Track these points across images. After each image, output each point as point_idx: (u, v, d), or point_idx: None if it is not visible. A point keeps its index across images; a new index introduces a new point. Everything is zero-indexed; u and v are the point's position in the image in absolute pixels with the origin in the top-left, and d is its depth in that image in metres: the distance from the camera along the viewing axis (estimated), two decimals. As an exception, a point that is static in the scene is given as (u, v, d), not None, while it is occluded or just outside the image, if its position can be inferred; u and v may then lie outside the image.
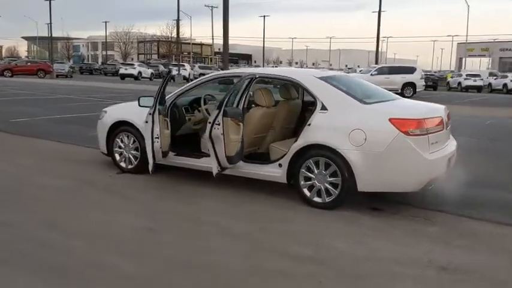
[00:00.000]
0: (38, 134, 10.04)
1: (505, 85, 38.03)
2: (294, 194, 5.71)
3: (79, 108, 16.12)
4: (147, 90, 28.04)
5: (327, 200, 5.37)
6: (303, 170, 5.49)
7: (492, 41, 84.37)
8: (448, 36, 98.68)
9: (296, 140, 5.59)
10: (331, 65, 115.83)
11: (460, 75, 41.06)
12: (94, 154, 8.10)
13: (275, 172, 5.73)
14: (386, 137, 5.05)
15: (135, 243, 4.32)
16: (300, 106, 6.97)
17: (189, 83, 6.69)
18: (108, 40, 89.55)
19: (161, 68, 57.21)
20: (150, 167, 5.87)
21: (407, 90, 27.03)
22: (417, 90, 27.38)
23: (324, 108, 5.44)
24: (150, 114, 5.74)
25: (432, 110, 5.50)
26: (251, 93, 6.43)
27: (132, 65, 47.10)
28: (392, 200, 5.68)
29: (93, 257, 3.98)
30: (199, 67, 53.78)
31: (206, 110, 6.74)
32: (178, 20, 42.36)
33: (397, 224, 5.01)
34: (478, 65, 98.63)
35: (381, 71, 27.61)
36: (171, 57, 67.91)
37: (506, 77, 39.28)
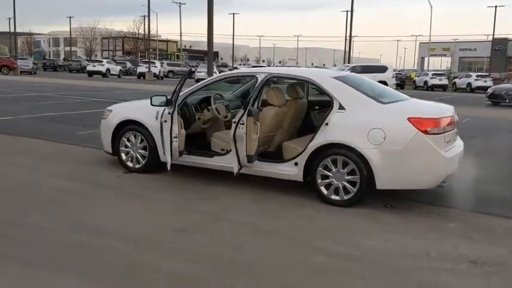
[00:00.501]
0: (28, 133, 9.78)
1: (469, 84, 39.37)
2: (306, 191, 5.83)
3: (59, 106, 15.74)
4: (121, 88, 27.68)
5: (345, 197, 5.49)
6: (320, 169, 5.59)
7: (453, 41, 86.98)
8: (411, 36, 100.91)
9: (312, 139, 5.68)
10: (297, 63, 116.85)
11: (427, 74, 42.23)
12: (93, 153, 8.02)
13: (291, 170, 5.81)
14: (405, 135, 5.21)
15: (173, 244, 4.31)
16: (306, 105, 7.07)
17: (200, 82, 6.69)
18: (71, 36, 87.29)
19: (128, 64, 56.35)
20: (169, 166, 5.84)
21: (379, 88, 27.56)
22: (389, 88, 27.93)
23: (341, 107, 5.55)
24: (169, 113, 5.71)
25: (445, 109, 5.70)
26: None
27: (101, 61, 46.15)
28: (402, 198, 5.85)
29: (138, 258, 3.96)
30: (168, 64, 53.37)
31: (216, 109, 6.74)
32: (149, 16, 41.82)
33: (415, 220, 5.19)
34: (439, 64, 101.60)
35: (353, 70, 28.00)
36: (137, 54, 66.96)
37: (470, 76, 40.68)
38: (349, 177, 5.45)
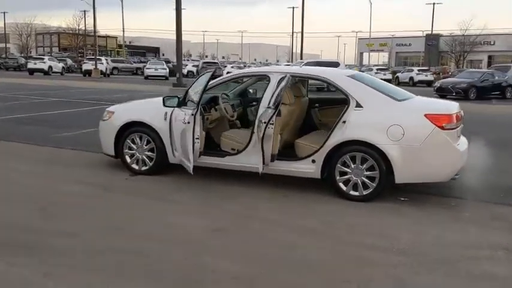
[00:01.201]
0: (2, 137, 9.28)
1: (411, 78, 41.13)
2: (320, 188, 5.98)
3: (20, 107, 15.01)
4: (73, 87, 26.62)
5: (364, 192, 5.67)
6: (339, 165, 5.75)
7: (390, 37, 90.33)
8: (352, 32, 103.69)
9: (329, 137, 5.82)
10: (240, 58, 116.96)
11: (371, 70, 43.69)
12: (87, 156, 7.84)
13: (308, 168, 5.92)
14: (423, 131, 5.46)
15: (217, 244, 4.31)
16: (307, 103, 7.21)
17: (212, 82, 6.64)
18: (5, 32, 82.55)
19: (69, 61, 54.22)
20: (191, 168, 5.77)
21: (332, 83, 28.23)
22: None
23: (358, 105, 5.72)
24: (192, 115, 5.64)
25: (453, 106, 6.00)
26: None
27: (42, 58, 44.04)
28: (410, 191, 6.09)
29: (193, 261, 3.94)
30: (112, 61, 51.88)
31: (224, 108, 6.73)
32: (94, 10, 40.37)
33: (434, 212, 5.45)
34: (377, 59, 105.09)
35: (308, 65, 28.54)
36: (77, 51, 64.46)
37: (411, 70, 42.54)
38: (368, 172, 5.63)
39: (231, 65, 51.41)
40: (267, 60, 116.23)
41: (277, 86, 6.06)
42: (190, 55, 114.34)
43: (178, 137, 6.17)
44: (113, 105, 7.51)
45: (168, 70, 40.38)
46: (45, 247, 4.15)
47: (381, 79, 32.13)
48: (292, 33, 60.90)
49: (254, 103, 7.82)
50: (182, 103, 6.23)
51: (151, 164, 6.62)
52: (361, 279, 3.71)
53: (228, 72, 44.52)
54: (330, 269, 3.91)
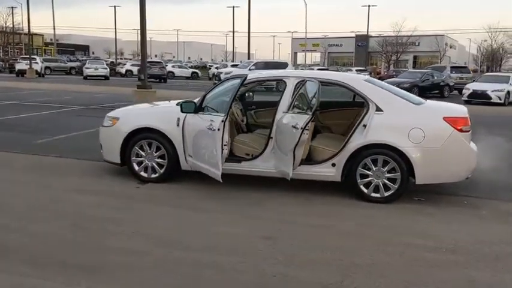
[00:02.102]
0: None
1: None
2: (337, 190, 6.08)
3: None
4: (16, 88, 25.00)
5: (386, 194, 5.82)
6: (360, 168, 5.86)
7: (322, 37, 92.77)
8: (288, 32, 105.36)
9: (348, 140, 5.92)
10: (174, 57, 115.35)
11: (312, 69, 44.65)
12: (84, 164, 7.53)
13: (329, 171, 5.99)
14: (442, 134, 5.70)
15: (276, 252, 4.26)
16: None
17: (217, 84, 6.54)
18: None
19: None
20: (219, 176, 5.62)
21: (281, 84, 28.58)
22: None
23: (379, 109, 5.86)
24: (222, 121, 5.50)
25: (464, 109, 6.27)
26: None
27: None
28: (421, 191, 6.31)
29: (266, 271, 3.87)
30: (44, 60, 49.34)
31: (236, 113, 6.64)
32: (28, 7, 38.16)
33: (455, 210, 5.70)
34: (310, 58, 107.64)
35: (257, 67, 28.73)
36: (2, 49, 60.71)
37: (351, 70, 43.90)
38: (390, 174, 5.79)
39: (172, 65, 50.62)
40: (201, 59, 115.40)
41: (295, 90, 6.10)
42: (122, 53, 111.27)
43: (195, 143, 6.03)
44: (113, 110, 7.21)
45: (108, 70, 39.05)
46: (113, 266, 3.93)
47: None
48: (233, 32, 60.89)
49: (253, 106, 7.81)
50: (199, 109, 6.09)
51: (162, 171, 6.41)
52: (435, 281, 3.81)
53: (170, 72, 43.92)
54: (398, 271, 3.97)
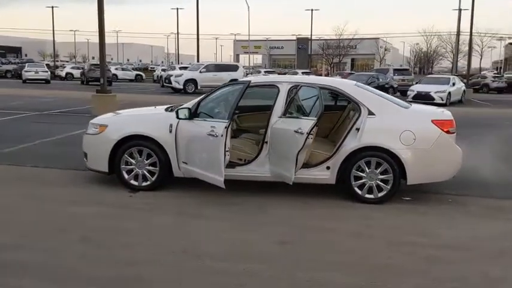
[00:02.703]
0: None
1: (296, 80, 43.23)
2: (330, 192, 6.21)
3: None
4: None
5: (379, 195, 6.02)
6: (354, 170, 6.03)
7: (264, 39, 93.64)
8: (231, 34, 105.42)
9: (341, 143, 6.07)
10: (112, 59, 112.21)
11: (259, 72, 45.08)
12: (64, 174, 7.23)
13: (324, 175, 6.11)
14: (431, 136, 5.98)
15: (296, 257, 4.32)
16: None
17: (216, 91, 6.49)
18: None
19: None
20: (222, 182, 5.57)
21: (232, 86, 28.63)
22: (241, 86, 29.25)
23: (371, 113, 6.05)
24: (225, 127, 5.45)
25: (448, 112, 6.56)
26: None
27: None
28: (407, 191, 6.55)
29: (296, 276, 3.91)
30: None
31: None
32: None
33: (445, 208, 5.99)
34: (252, 61, 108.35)
35: (208, 69, 28.60)
36: None
37: (296, 73, 44.64)
38: (383, 176, 6.00)
39: (114, 67, 49.23)
40: (140, 61, 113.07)
41: (288, 95, 6.17)
42: (58, 55, 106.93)
43: (192, 149, 5.97)
44: (99, 116, 6.97)
45: (49, 73, 37.46)
46: (137, 278, 3.83)
47: None
48: (178, 34, 60.22)
49: (236, 111, 7.78)
50: (194, 115, 6.02)
51: (153, 178, 6.27)
52: (455, 277, 4.01)
53: (113, 75, 42.54)
54: (419, 270, 4.12)
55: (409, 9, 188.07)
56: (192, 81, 27.97)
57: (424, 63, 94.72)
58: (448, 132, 6.04)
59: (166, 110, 6.67)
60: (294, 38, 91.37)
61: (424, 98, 23.67)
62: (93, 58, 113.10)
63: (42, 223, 5.03)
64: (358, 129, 6.04)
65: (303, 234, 4.94)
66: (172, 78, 28.25)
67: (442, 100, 23.50)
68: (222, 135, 5.44)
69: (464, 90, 26.96)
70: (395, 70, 33.84)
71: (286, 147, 5.68)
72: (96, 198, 5.97)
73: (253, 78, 6.81)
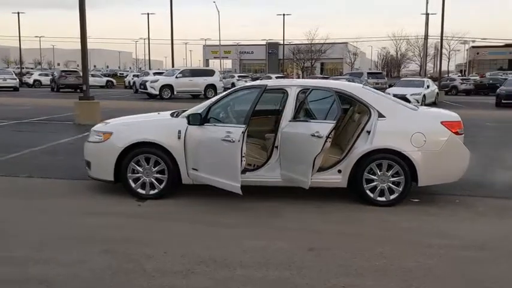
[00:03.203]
0: None
1: (270, 84, 43.31)
2: (340, 196, 6.21)
3: None
4: None
5: (391, 197, 6.03)
6: (366, 173, 6.02)
7: (234, 44, 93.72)
8: (201, 39, 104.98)
9: (352, 146, 6.06)
10: (78, 65, 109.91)
11: (233, 77, 44.95)
12: (62, 184, 6.93)
13: (335, 178, 6.08)
14: (441, 137, 6.03)
15: (331, 264, 4.25)
16: None
17: (222, 95, 6.37)
18: None
19: None
20: (239, 188, 5.45)
21: (209, 91, 28.49)
22: (218, 91, 29.10)
23: (381, 115, 6.05)
24: (242, 132, 5.34)
25: (455, 114, 6.61)
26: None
27: None
28: (413, 192, 6.62)
29: (330, 282, 3.84)
30: None
31: None
32: None
33: (454, 209, 6.05)
34: (222, 66, 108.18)
35: (184, 74, 28.35)
36: None
37: (270, 78, 44.80)
38: (394, 178, 6.01)
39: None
40: (108, 67, 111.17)
41: (297, 99, 6.13)
42: (23, 62, 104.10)
43: (203, 155, 5.84)
44: (100, 124, 6.75)
45: (18, 80, 36.39)
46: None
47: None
48: (149, 39, 59.55)
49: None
50: (204, 120, 5.90)
51: (161, 186, 6.12)
52: (489, 278, 4.02)
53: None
54: (451, 272, 4.12)
55: (378, 14, 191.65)
56: (168, 86, 27.66)
57: (390, 66, 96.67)
58: (456, 133, 6.11)
59: (171, 115, 6.52)
60: (264, 42, 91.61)
61: (400, 101, 24.10)
62: (58, 64, 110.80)
63: (59, 235, 4.82)
64: (368, 132, 6.04)
65: (327, 239, 4.88)
66: (148, 84, 27.84)
67: (418, 102, 23.93)
68: (239, 141, 5.33)
69: (437, 93, 27.56)
70: (369, 74, 34.45)
71: (301, 152, 5.62)
72: (104, 208, 5.78)
73: (270, 82, 6.74)
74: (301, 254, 4.47)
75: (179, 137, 6.00)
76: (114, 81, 48.67)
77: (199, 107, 6.28)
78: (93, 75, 48.96)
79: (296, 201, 6.10)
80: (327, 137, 5.31)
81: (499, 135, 13.70)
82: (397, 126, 6.06)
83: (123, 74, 74.71)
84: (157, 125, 6.39)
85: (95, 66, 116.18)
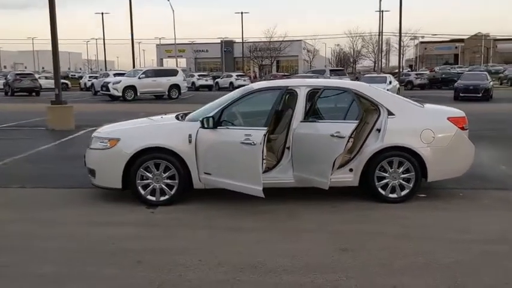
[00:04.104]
0: None
1: (231, 83, 43.16)
2: (351, 195, 6.25)
3: None
4: None
5: (402, 194, 6.12)
6: (377, 171, 6.07)
7: (189, 43, 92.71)
8: (156, 38, 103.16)
9: (362, 145, 6.09)
10: (26, 67, 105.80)
11: (192, 76, 44.46)
12: (62, 194, 6.64)
13: (347, 177, 6.10)
14: (449, 133, 6.17)
15: (370, 265, 4.25)
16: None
17: (232, 97, 6.24)
18: None
19: None
20: (261, 191, 5.35)
21: (173, 92, 28.09)
22: (182, 91, 28.75)
23: (391, 113, 6.11)
24: (264, 135, 5.24)
25: (459, 110, 6.73)
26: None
27: None
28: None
29: (394, 281, 3.86)
30: None
31: None
32: None
33: (461, 203, 6.20)
34: (177, 64, 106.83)
35: (147, 75, 27.78)
36: None
37: (231, 76, 44.68)
38: (405, 175, 6.09)
39: (37, 76, 46.34)
40: (43, 68, 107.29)
41: (307, 99, 6.10)
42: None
43: (219, 159, 5.72)
44: (102, 130, 6.48)
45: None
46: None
47: (203, 85, 33.89)
48: (104, 40, 58.01)
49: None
50: (218, 124, 5.76)
51: (172, 192, 5.94)
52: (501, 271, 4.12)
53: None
54: (487, 266, 4.19)
55: (334, 12, 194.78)
56: (131, 87, 27.04)
57: (343, 63, 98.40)
58: (462, 128, 6.26)
59: (177, 118, 6.35)
60: (219, 41, 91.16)
61: (365, 97, 24.58)
62: (5, 67, 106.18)
63: (78, 249, 4.58)
64: (379, 130, 6.09)
65: (354, 240, 4.86)
66: (110, 86, 27.09)
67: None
68: (260, 143, 5.24)
69: (398, 88, 28.27)
70: (332, 71, 34.90)
71: (320, 152, 5.59)
72: (116, 217, 5.57)
73: (290, 82, 6.64)
74: (336, 255, 4.44)
75: (190, 141, 5.84)
76: (69, 83, 47.03)
77: (204, 110, 6.16)
78: (46, 78, 47.28)
79: (309, 202, 6.08)
80: (350, 137, 5.31)
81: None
82: (406, 123, 6.13)
83: (75, 75, 72.49)
84: (167, 129, 6.19)
85: (43, 68, 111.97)
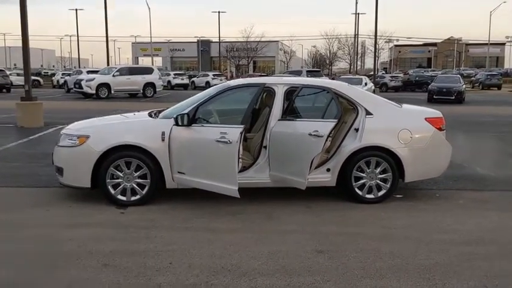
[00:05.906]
0: None
1: (207, 82, 42.81)
2: (327, 196, 6.15)
3: None
4: None
5: (379, 194, 6.03)
6: (355, 171, 5.97)
7: (165, 42, 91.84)
8: (131, 36, 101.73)
9: (340, 145, 5.98)
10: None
11: (169, 74, 44.00)
12: (29, 193, 6.35)
13: (324, 177, 5.99)
14: (426, 133, 6.11)
15: (349, 267, 4.13)
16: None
17: (208, 94, 6.05)
18: None
19: None
20: (236, 191, 5.17)
21: (148, 90, 27.67)
22: (157, 90, 28.35)
23: (368, 113, 6.02)
24: (241, 133, 5.06)
25: (436, 111, 6.70)
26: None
27: None
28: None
29: (374, 283, 3.75)
30: None
31: None
32: None
33: (438, 203, 6.15)
34: (153, 63, 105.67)
35: (121, 72, 27.28)
36: None
37: (207, 75, 44.36)
38: (381, 175, 6.01)
39: (8, 72, 45.12)
40: (15, 65, 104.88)
41: (285, 98, 5.96)
42: None
43: (193, 158, 5.52)
44: (71, 126, 6.20)
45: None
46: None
47: (179, 84, 33.68)
48: (78, 37, 56.85)
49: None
50: (192, 121, 5.57)
51: (144, 192, 5.73)
52: (500, 273, 4.06)
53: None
54: (466, 268, 4.12)
55: (311, 14, 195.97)
56: (105, 85, 26.52)
57: (320, 64, 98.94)
58: (440, 129, 6.21)
59: (150, 115, 6.13)
60: (195, 40, 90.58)
61: (341, 98, 24.67)
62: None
63: (45, 251, 4.33)
64: (356, 130, 5.99)
65: (332, 241, 4.75)
66: (83, 83, 26.50)
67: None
68: (236, 142, 5.07)
69: (374, 90, 28.48)
70: (308, 72, 35.02)
71: (297, 151, 5.46)
72: (84, 218, 5.31)
73: (267, 80, 6.46)
74: (313, 257, 4.31)
75: (163, 139, 5.63)
76: (41, 80, 45.93)
77: (179, 107, 5.96)
78: (18, 74, 46.06)
79: (286, 202, 5.95)
80: (328, 136, 5.19)
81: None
82: (384, 123, 6.05)
83: (47, 72, 70.89)
84: (139, 126, 5.96)
85: (15, 64, 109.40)
